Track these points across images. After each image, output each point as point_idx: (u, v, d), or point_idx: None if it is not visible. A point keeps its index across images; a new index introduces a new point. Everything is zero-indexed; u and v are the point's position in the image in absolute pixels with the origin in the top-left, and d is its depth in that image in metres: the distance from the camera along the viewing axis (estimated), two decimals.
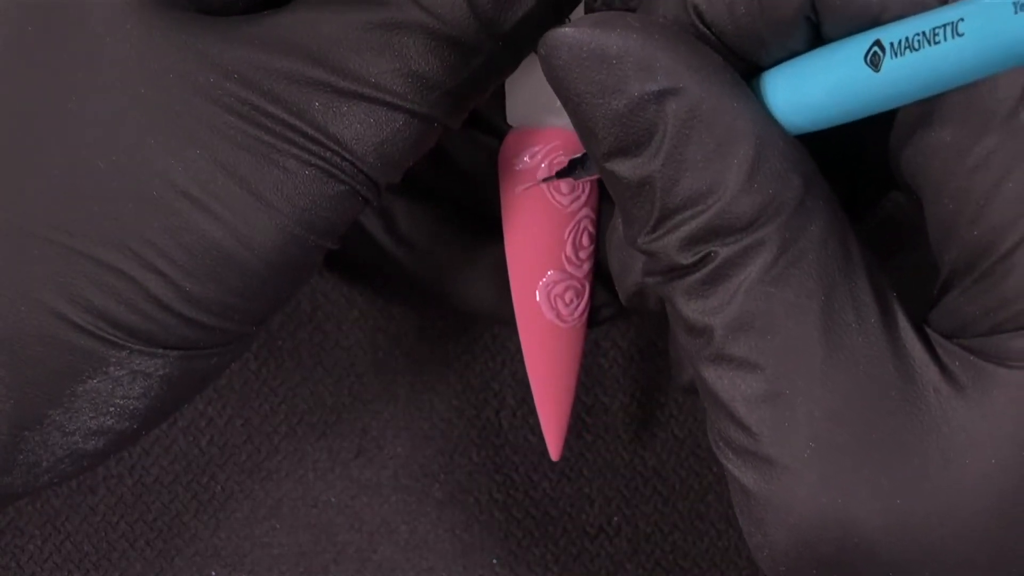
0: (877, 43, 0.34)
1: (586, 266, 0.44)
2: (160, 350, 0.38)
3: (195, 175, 0.37)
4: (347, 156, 0.38)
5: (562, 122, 0.43)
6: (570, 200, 0.44)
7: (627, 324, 0.50)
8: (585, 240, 0.44)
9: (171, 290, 0.38)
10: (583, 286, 0.44)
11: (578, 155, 0.42)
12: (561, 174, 0.42)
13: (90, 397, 0.39)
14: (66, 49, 0.38)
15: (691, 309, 0.36)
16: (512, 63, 0.39)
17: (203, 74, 0.37)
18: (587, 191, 0.44)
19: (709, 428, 0.37)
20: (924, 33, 0.33)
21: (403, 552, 0.49)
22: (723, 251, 0.35)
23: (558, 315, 0.44)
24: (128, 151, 0.37)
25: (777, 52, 0.36)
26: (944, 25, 0.32)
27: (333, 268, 0.49)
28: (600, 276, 0.45)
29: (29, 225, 0.38)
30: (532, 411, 0.49)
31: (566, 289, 0.44)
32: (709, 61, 0.35)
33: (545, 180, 0.43)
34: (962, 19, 0.32)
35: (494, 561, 0.50)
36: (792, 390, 0.35)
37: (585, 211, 0.44)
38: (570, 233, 0.44)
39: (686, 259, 0.36)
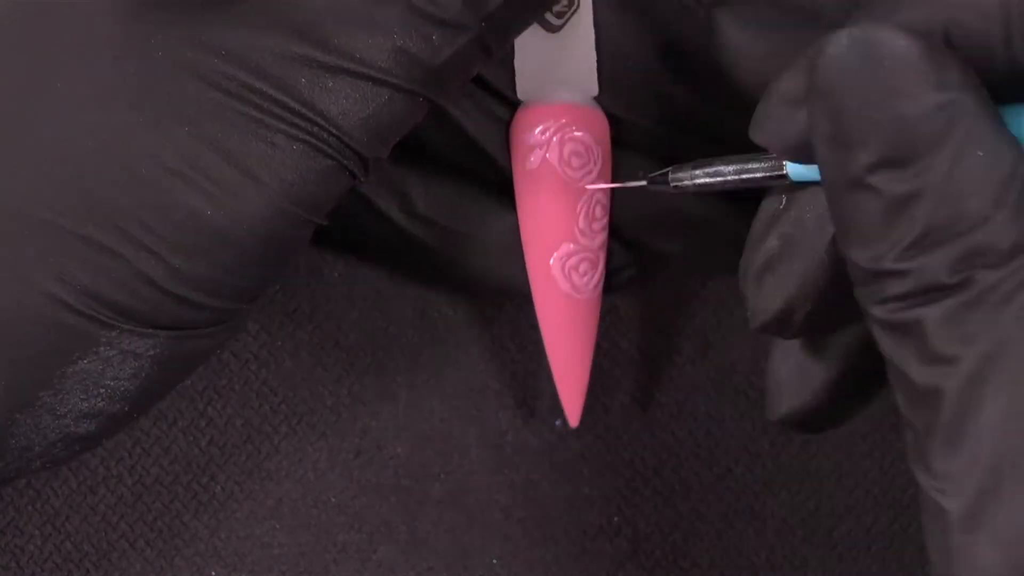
0: None
1: (600, 237, 0.45)
2: (151, 330, 0.39)
3: (183, 153, 0.37)
4: (334, 131, 0.38)
5: (573, 97, 0.44)
6: (582, 174, 0.44)
7: (628, 324, 0.50)
8: (598, 212, 0.44)
9: (161, 268, 0.38)
10: (597, 257, 0.45)
11: (666, 169, 0.41)
12: (653, 182, 0.41)
13: (80, 378, 0.39)
14: (53, 29, 0.38)
15: (942, 335, 0.34)
16: (498, 44, 0.39)
17: (190, 52, 0.38)
18: (599, 164, 0.44)
19: (913, 452, 0.35)
20: None
21: (403, 552, 0.49)
22: (985, 275, 0.33)
23: (573, 286, 0.45)
24: (116, 130, 0.38)
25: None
26: None
27: (353, 250, 0.49)
28: (616, 238, 0.46)
29: (18, 205, 0.38)
30: (532, 411, 0.49)
31: (580, 261, 0.44)
32: (976, 79, 0.34)
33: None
34: None
35: (494, 561, 0.49)
36: None
37: (598, 184, 0.44)
38: (583, 206, 0.44)
39: (950, 279, 0.34)
